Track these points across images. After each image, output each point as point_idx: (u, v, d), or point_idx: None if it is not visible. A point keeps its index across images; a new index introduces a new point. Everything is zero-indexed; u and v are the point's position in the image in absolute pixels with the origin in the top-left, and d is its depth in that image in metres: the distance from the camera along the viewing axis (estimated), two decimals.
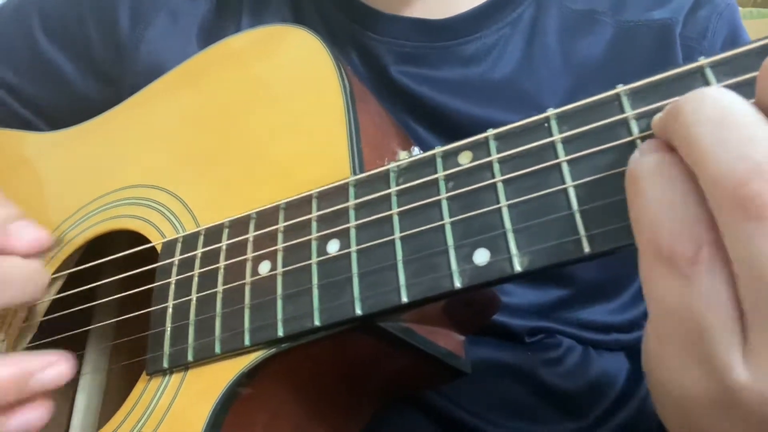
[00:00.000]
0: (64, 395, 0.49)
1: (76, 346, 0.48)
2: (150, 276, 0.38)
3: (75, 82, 0.56)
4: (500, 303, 0.40)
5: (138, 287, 0.38)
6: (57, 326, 0.44)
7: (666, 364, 0.22)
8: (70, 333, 0.44)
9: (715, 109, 0.20)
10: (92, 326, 0.46)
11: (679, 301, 0.20)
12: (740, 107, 0.20)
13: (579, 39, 0.48)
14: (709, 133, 0.20)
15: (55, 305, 0.44)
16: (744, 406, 0.20)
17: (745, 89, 0.23)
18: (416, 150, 0.37)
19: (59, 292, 0.45)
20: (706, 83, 0.24)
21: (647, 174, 0.22)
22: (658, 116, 0.23)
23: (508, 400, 0.44)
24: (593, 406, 0.46)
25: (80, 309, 0.43)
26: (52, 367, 0.32)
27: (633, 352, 0.49)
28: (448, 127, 0.47)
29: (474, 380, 0.39)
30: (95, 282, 0.43)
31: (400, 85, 0.47)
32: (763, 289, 0.19)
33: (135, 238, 0.41)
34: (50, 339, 0.44)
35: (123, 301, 0.42)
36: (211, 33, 0.52)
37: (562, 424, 0.44)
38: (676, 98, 0.23)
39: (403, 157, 0.35)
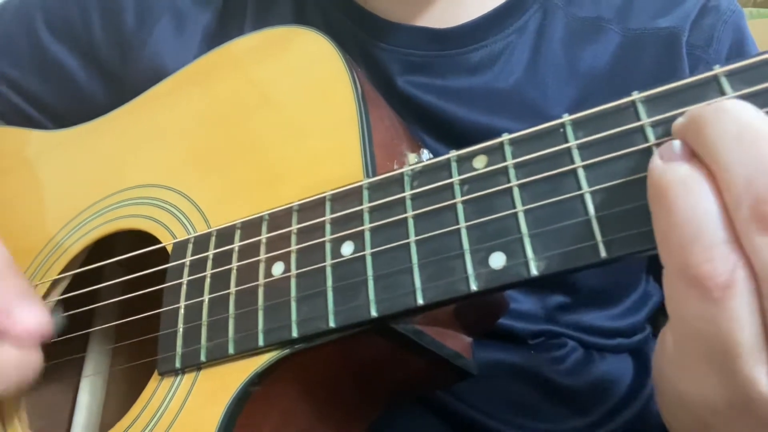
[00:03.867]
0: (66, 397, 0.49)
1: (78, 347, 0.48)
2: (155, 278, 0.38)
3: (80, 79, 0.56)
4: (508, 306, 0.40)
5: (142, 289, 0.39)
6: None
7: (687, 374, 0.22)
8: (73, 335, 0.44)
9: (734, 124, 0.21)
10: (96, 328, 0.46)
11: (706, 322, 0.21)
12: (759, 122, 0.21)
13: (585, 47, 0.48)
14: (728, 147, 0.20)
15: (61, 305, 0.44)
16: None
17: (761, 99, 0.23)
18: (425, 153, 0.38)
19: (64, 292, 0.44)
20: (722, 92, 0.24)
21: (676, 187, 0.21)
22: (679, 122, 0.24)
23: (513, 397, 0.45)
24: (597, 404, 0.46)
25: (84, 309, 0.43)
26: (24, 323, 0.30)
27: (636, 354, 0.50)
28: (454, 135, 0.47)
29: (480, 379, 0.40)
30: (98, 282, 0.43)
31: (407, 94, 0.48)
32: None
33: (139, 239, 0.41)
34: (53, 340, 0.44)
35: (126, 302, 0.42)
36: (214, 39, 0.52)
37: (567, 422, 0.45)
38: (693, 107, 0.24)
39: (413, 160, 0.36)
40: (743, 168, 0.20)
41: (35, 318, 0.32)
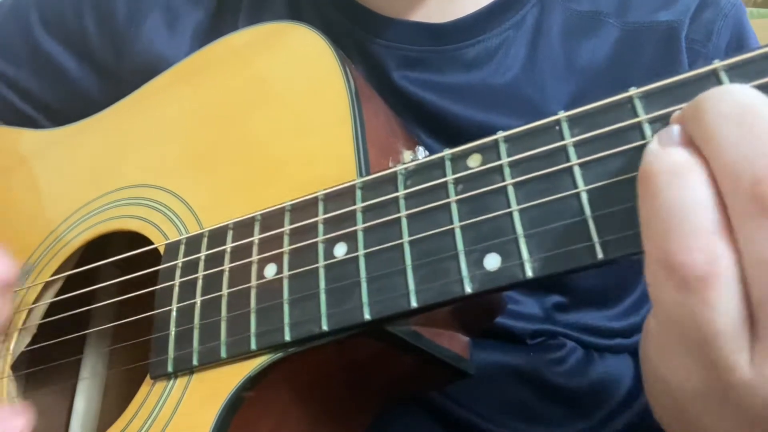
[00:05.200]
0: (62, 399, 0.48)
1: (74, 349, 0.48)
2: (151, 279, 0.37)
3: (75, 76, 0.55)
4: (506, 305, 0.39)
5: (138, 290, 0.38)
6: (56, 329, 0.43)
7: (668, 362, 0.22)
8: (69, 336, 0.43)
9: (735, 105, 0.20)
10: (91, 330, 0.46)
11: (683, 311, 0.20)
12: (761, 104, 0.20)
13: (583, 41, 0.47)
14: (728, 128, 0.20)
15: (54, 307, 0.44)
16: (747, 404, 0.20)
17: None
18: (421, 150, 0.37)
19: (58, 294, 0.44)
20: None
21: (662, 175, 0.21)
22: (677, 113, 0.23)
23: (512, 400, 0.44)
24: (597, 406, 0.46)
25: (79, 311, 0.43)
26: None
27: (636, 354, 0.49)
28: (450, 132, 0.46)
29: (478, 381, 0.39)
30: (93, 284, 0.43)
31: (403, 89, 0.47)
32: None
33: (133, 239, 0.40)
34: (48, 342, 0.43)
35: (122, 303, 0.41)
36: (207, 36, 0.51)
37: (566, 424, 0.44)
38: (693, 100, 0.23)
39: (408, 158, 0.35)
40: (743, 148, 0.19)
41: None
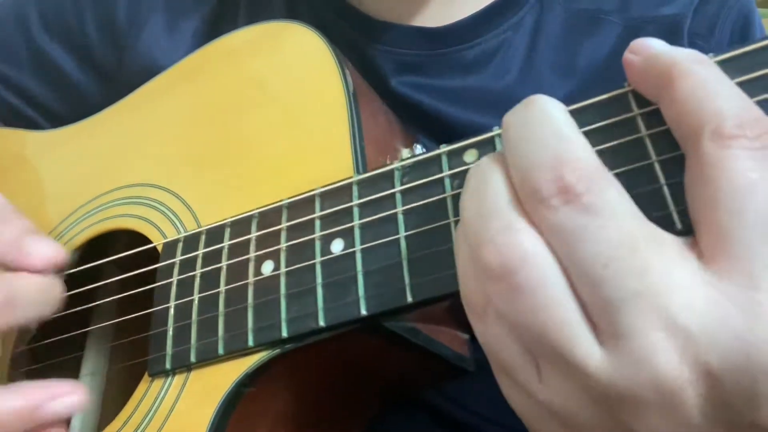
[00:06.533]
0: None
1: (74, 348, 0.48)
2: (150, 277, 0.38)
3: (76, 78, 0.55)
4: None
5: (137, 288, 0.38)
6: (55, 327, 0.43)
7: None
8: (69, 335, 0.43)
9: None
10: (91, 328, 0.46)
11: (483, 341, 0.23)
12: (550, 106, 0.24)
13: (584, 40, 0.47)
14: (515, 134, 0.24)
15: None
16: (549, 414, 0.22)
17: (754, 86, 0.22)
18: (418, 147, 0.37)
19: None
20: None
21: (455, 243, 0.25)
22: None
23: None
24: None
25: (79, 310, 0.43)
26: (61, 399, 0.30)
27: None
28: (449, 135, 0.45)
29: (477, 381, 0.39)
30: (93, 283, 0.43)
31: (400, 94, 0.46)
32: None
33: (134, 237, 0.40)
34: (49, 340, 0.43)
35: (122, 301, 0.41)
36: (207, 38, 0.51)
37: None
38: None
39: (406, 155, 0.35)
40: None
41: (47, 247, 0.32)
